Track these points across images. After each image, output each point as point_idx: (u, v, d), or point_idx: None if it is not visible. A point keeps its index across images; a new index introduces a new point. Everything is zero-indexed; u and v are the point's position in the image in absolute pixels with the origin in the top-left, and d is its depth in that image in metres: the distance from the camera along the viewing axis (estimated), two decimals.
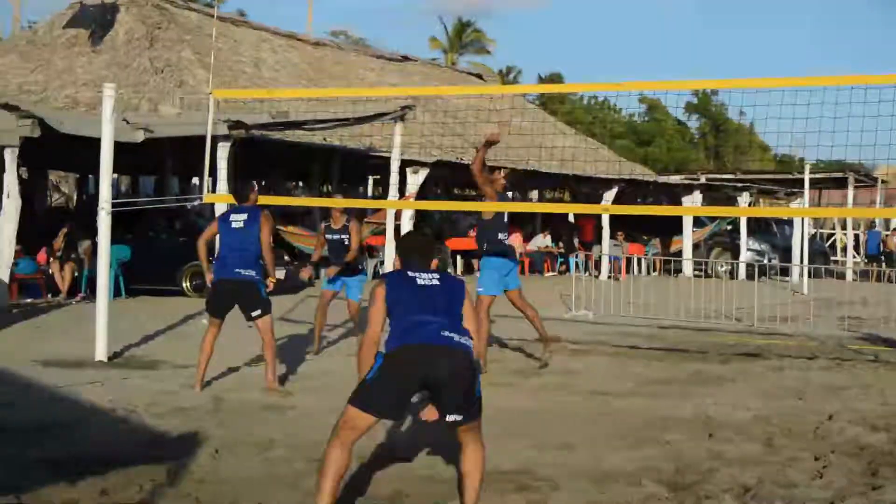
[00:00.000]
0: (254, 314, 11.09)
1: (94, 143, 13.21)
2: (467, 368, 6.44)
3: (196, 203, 21.79)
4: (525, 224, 35.09)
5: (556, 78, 76.33)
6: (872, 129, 13.06)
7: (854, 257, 43.34)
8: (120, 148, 13.87)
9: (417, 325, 6.47)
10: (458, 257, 32.27)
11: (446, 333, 6.44)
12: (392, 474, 7.74)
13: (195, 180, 33.55)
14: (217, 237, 11.54)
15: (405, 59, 41.78)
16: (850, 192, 42.05)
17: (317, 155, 29.57)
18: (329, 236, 14.13)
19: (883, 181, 45.10)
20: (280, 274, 22.23)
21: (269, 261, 11.22)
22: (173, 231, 23.29)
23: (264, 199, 12.41)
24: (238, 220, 11.22)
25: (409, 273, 6.76)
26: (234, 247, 11.15)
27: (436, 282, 6.73)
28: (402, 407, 6.63)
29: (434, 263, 6.99)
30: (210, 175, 16.29)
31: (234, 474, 7.69)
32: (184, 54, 28.54)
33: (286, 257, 23.65)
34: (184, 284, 21.65)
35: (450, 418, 6.44)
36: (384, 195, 27.87)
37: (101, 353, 12.86)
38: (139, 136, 19.91)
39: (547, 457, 8.40)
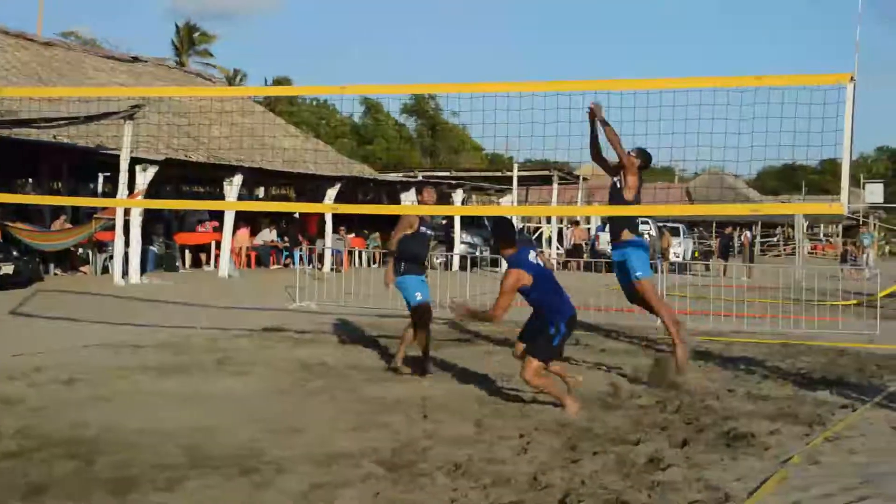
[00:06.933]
0: None
1: None
2: None
3: None
4: (252, 220, 34.84)
5: (283, 81, 76.06)
6: (578, 133, 13.58)
7: (557, 249, 44.82)
8: None
9: None
10: (187, 251, 31.77)
11: None
12: None
13: None
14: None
15: (135, 59, 40.82)
16: (555, 189, 43.50)
17: (47, 152, 28.59)
18: None
19: (584, 178, 46.83)
20: (8, 269, 21.56)
21: None
22: None
23: None
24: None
25: None
26: None
27: None
28: None
29: None
30: None
31: None
32: None
33: (14, 252, 22.83)
34: None
35: None
36: (114, 192, 27.15)
37: None
38: None
39: (276, 440, 8.38)
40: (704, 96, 11.78)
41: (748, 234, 49.19)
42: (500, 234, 10.29)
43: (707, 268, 37.81)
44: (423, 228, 12.67)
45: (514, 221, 37.07)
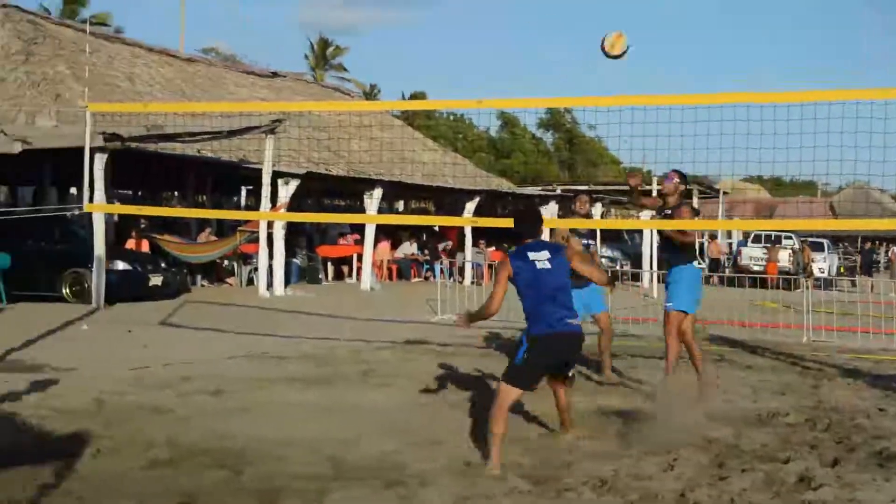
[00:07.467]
0: None
1: None
2: None
3: (75, 212, 21.47)
4: (392, 233, 35.16)
5: (419, 95, 76.59)
6: (717, 146, 13.37)
7: (699, 263, 44.25)
8: None
9: None
10: (329, 264, 32.21)
11: None
12: None
13: (73, 190, 32.90)
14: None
15: (274, 74, 41.51)
16: (695, 203, 42.92)
17: (191, 166, 29.26)
18: None
19: (724, 193, 46.27)
20: (157, 280, 22.14)
21: None
22: (52, 239, 22.82)
23: (143, 210, 12.17)
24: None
25: None
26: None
27: None
28: None
29: None
30: (89, 185, 15.99)
31: (115, 473, 7.56)
32: (59, 69, 27.92)
33: (163, 264, 23.46)
34: (63, 290, 21.33)
35: None
36: (257, 205, 27.63)
37: None
38: (16, 148, 19.66)
39: (417, 453, 8.40)
40: (847, 109, 11.52)
41: None
42: (518, 225, 8.95)
43: (853, 283, 36.93)
44: (575, 239, 12.53)
45: (655, 236, 36.76)
